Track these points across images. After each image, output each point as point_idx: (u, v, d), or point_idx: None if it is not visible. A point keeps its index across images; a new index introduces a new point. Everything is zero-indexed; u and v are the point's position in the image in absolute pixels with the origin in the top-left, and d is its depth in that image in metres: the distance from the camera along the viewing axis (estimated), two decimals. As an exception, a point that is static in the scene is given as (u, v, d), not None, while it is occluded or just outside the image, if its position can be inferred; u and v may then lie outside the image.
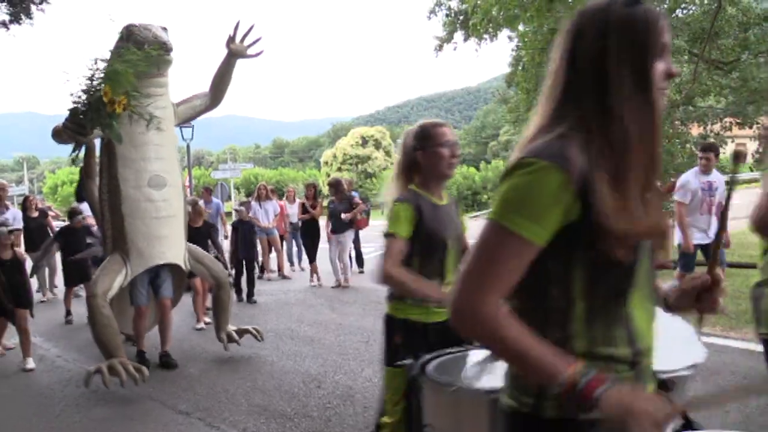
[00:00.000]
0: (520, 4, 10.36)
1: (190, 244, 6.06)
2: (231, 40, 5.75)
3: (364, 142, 60.57)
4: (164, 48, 5.17)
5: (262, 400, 4.81)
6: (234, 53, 5.82)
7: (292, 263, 12.31)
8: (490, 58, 22.96)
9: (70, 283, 8.54)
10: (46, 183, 64.55)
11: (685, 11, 12.77)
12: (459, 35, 18.63)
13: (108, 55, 5.07)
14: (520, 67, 15.70)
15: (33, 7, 8.58)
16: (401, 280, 2.52)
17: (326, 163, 61.41)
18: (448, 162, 2.69)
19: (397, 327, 2.67)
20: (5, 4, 8.44)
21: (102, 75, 4.85)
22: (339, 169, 57.39)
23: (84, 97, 4.91)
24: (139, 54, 4.92)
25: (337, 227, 10.04)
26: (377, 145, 60.77)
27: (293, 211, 11.51)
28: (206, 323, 7.46)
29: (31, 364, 6.05)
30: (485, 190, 42.34)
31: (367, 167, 57.70)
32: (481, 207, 40.84)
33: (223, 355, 6.12)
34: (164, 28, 5.31)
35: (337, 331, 6.99)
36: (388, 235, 2.58)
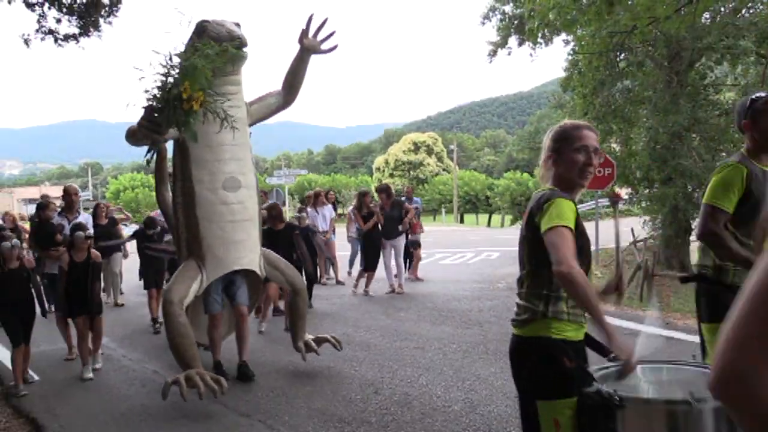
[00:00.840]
0: (579, 7, 10.18)
1: (265, 249, 5.83)
2: (304, 34, 5.53)
3: (416, 148, 60.60)
4: (240, 43, 5.00)
5: (321, 404, 4.85)
6: (307, 49, 5.59)
7: (351, 268, 12.19)
8: (544, 62, 22.63)
9: (150, 285, 8.36)
10: (109, 188, 66.81)
11: (751, 11, 12.33)
12: (513, 40, 18.49)
13: (181, 50, 4.88)
14: (576, 72, 15.45)
15: (101, 20, 8.91)
16: (582, 283, 2.12)
17: (378, 169, 61.69)
18: (580, 170, 2.38)
19: (560, 349, 2.24)
20: (75, 17, 8.79)
21: (178, 71, 4.68)
22: (391, 175, 57.57)
23: (159, 93, 4.71)
24: (217, 48, 4.75)
25: (390, 232, 10.06)
26: (429, 151, 60.75)
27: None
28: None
29: (98, 362, 6.22)
30: (539, 196, 41.72)
31: (419, 173, 57.74)
32: (535, 213, 40.26)
33: (282, 359, 6.20)
34: (237, 24, 5.14)
35: (393, 337, 6.99)
36: (556, 228, 2.21)
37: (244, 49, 5.09)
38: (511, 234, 25.46)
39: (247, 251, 5.42)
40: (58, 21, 8.76)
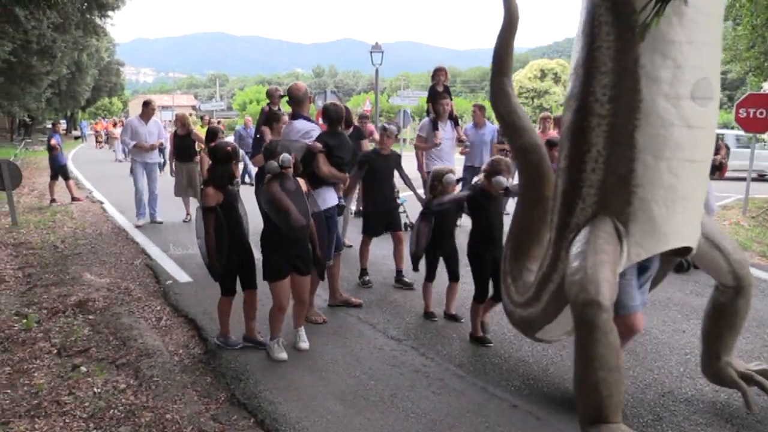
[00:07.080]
0: None
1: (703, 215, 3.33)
2: None
3: (543, 75, 58.00)
4: None
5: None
6: None
7: None
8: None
9: (373, 230, 6.17)
10: (236, 100, 69.31)
11: None
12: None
13: None
14: (747, -2, 13.88)
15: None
16: None
17: (500, 95, 59.87)
18: None
19: None
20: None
21: None
22: (513, 103, 55.79)
23: None
24: None
25: None
26: (556, 79, 57.96)
27: None
28: None
29: (304, 342, 4.50)
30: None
31: (543, 102, 55.44)
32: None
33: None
34: None
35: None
36: None
37: None
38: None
39: (693, 217, 3.16)
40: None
